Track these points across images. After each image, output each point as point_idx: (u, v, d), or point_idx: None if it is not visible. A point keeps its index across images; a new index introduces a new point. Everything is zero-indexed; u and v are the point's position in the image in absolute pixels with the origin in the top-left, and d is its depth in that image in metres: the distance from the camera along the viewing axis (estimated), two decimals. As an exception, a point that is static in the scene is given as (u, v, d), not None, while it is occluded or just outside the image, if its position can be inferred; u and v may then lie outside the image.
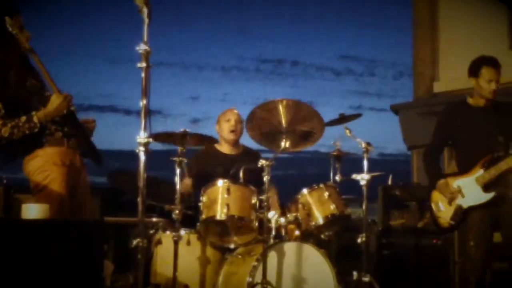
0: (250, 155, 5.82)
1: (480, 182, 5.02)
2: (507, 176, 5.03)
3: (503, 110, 5.23)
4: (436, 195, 5.25)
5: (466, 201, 5.07)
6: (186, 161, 4.98)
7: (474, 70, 5.17)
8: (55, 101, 4.36)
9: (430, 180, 5.39)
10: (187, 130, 4.94)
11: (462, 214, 5.08)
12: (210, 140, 5.35)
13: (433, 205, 5.27)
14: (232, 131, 5.91)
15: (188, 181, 5.57)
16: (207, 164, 5.77)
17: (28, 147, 4.36)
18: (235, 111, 6.00)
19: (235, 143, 6.01)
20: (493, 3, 9.71)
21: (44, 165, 4.33)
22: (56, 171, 4.34)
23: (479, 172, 5.05)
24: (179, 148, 4.97)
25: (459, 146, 5.33)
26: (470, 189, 5.06)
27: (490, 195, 5.00)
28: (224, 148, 6.00)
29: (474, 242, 5.02)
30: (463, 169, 5.17)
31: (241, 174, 5.35)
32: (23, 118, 4.28)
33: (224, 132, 5.94)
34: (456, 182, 5.14)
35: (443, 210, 5.19)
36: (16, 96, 4.33)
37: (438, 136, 5.42)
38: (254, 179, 5.16)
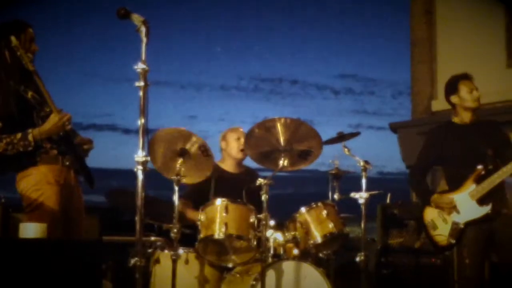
0: (250, 174, 5.82)
1: (474, 196, 5.03)
2: (498, 192, 5.04)
3: (488, 126, 5.29)
4: (428, 213, 5.25)
5: (462, 217, 5.07)
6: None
7: (452, 88, 5.33)
8: (52, 120, 4.35)
9: (420, 198, 5.41)
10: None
11: (460, 231, 5.07)
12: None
13: (427, 224, 5.26)
14: (242, 150, 5.90)
15: (193, 213, 5.50)
16: (209, 182, 5.76)
17: (21, 163, 4.34)
18: (242, 130, 6.00)
19: (241, 162, 6.01)
20: (490, 24, 9.76)
21: (38, 184, 4.31)
22: (50, 190, 4.32)
23: (471, 187, 5.05)
24: (178, 166, 4.97)
25: (448, 165, 5.34)
26: (465, 205, 5.06)
27: (486, 209, 5.00)
28: (228, 166, 6.00)
29: (469, 260, 5.01)
30: (454, 186, 5.18)
31: (244, 193, 5.36)
32: (19, 135, 4.26)
33: (234, 150, 5.95)
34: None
35: (440, 227, 5.18)
36: (16, 109, 4.32)
37: (425, 157, 5.48)
38: (253, 198, 5.15)
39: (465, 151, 5.17)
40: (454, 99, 5.29)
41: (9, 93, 4.30)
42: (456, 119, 5.33)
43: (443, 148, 5.32)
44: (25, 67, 4.37)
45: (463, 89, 5.24)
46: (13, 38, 4.32)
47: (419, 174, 5.48)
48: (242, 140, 5.88)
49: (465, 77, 5.30)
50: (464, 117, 5.28)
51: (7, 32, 4.38)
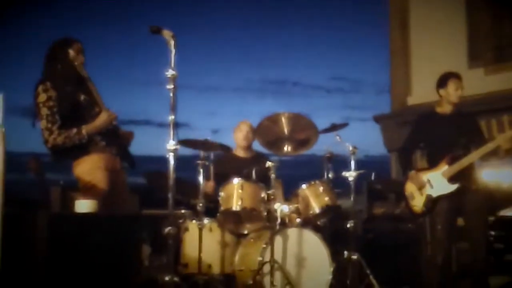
0: (260, 158, 5.81)
1: (446, 175, 5.00)
2: (468, 172, 5.01)
3: (465, 118, 5.24)
4: (409, 187, 5.23)
5: (435, 191, 5.05)
6: (207, 163, 5.00)
7: (442, 82, 5.21)
8: (102, 118, 4.35)
9: (405, 174, 5.37)
10: (208, 138, 5.00)
11: (432, 202, 5.05)
12: (225, 148, 5.35)
13: (407, 195, 5.24)
14: (244, 139, 5.93)
15: (212, 183, 5.54)
16: (227, 165, 5.76)
17: (76, 152, 4.34)
18: (247, 122, 5.99)
19: (248, 148, 6.00)
20: (454, 34, 9.69)
21: (91, 169, 4.31)
22: (100, 174, 4.31)
23: (444, 167, 5.03)
24: (202, 153, 4.99)
25: (429, 147, 5.32)
26: (438, 181, 5.04)
27: (454, 186, 4.97)
28: (240, 152, 6.00)
29: (441, 226, 5.00)
30: (432, 165, 5.16)
31: (253, 174, 5.35)
32: (74, 130, 4.25)
33: (238, 139, 5.96)
34: (426, 176, 5.12)
35: (416, 199, 5.16)
36: (71, 109, 4.31)
37: (412, 139, 5.44)
38: (263, 177, 5.14)
39: (443, 137, 5.14)
40: (442, 92, 5.21)
41: (65, 97, 4.30)
42: (439, 109, 5.27)
43: (426, 134, 5.28)
44: (78, 74, 4.38)
45: (451, 86, 5.15)
46: (71, 51, 4.34)
47: (406, 154, 5.45)
48: (245, 131, 5.91)
49: (455, 76, 5.21)
50: (446, 108, 5.22)
51: (60, 48, 4.38)
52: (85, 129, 4.28)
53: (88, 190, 4.25)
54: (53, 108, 4.23)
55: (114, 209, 4.30)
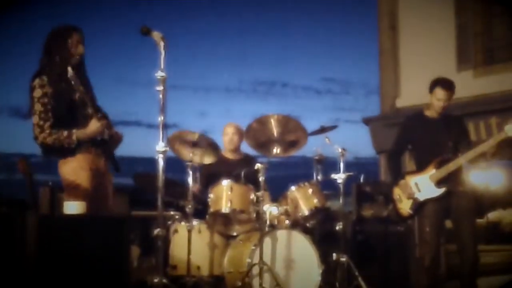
0: (249, 160, 5.82)
1: (433, 179, 5.03)
2: (456, 175, 5.04)
3: (452, 121, 5.24)
4: (397, 190, 5.25)
5: (422, 195, 5.07)
6: (196, 165, 5.01)
7: (431, 87, 5.15)
8: (93, 126, 4.27)
9: (393, 177, 5.40)
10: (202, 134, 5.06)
11: (419, 205, 5.08)
12: (215, 147, 5.34)
13: (395, 198, 5.26)
14: (230, 142, 5.92)
15: (195, 186, 5.53)
16: (215, 167, 5.75)
17: (64, 152, 4.27)
18: (233, 124, 5.97)
19: (236, 151, 6.00)
20: (444, 37, 9.77)
21: (75, 169, 4.25)
22: (85, 174, 4.25)
23: (432, 171, 5.05)
24: (191, 154, 5.00)
25: (417, 150, 5.34)
26: (425, 185, 5.06)
27: (441, 190, 5.00)
28: (228, 154, 5.99)
29: (429, 228, 5.03)
30: (420, 168, 5.18)
31: (242, 175, 5.35)
32: (65, 133, 4.18)
33: (225, 143, 5.95)
34: (414, 179, 5.14)
35: (404, 202, 5.19)
36: (66, 108, 4.26)
37: (399, 142, 5.44)
38: (252, 179, 5.15)
39: (431, 141, 5.15)
40: (429, 96, 5.17)
41: (61, 94, 4.23)
42: (427, 112, 5.24)
43: (414, 136, 5.29)
44: (77, 68, 4.28)
45: (436, 95, 5.07)
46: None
47: (394, 157, 5.46)
48: (230, 134, 5.89)
49: (444, 85, 5.09)
50: (433, 112, 5.21)
51: (58, 38, 4.31)
52: (76, 135, 4.19)
53: (71, 190, 4.21)
54: (47, 105, 4.16)
55: (98, 209, 4.27)
